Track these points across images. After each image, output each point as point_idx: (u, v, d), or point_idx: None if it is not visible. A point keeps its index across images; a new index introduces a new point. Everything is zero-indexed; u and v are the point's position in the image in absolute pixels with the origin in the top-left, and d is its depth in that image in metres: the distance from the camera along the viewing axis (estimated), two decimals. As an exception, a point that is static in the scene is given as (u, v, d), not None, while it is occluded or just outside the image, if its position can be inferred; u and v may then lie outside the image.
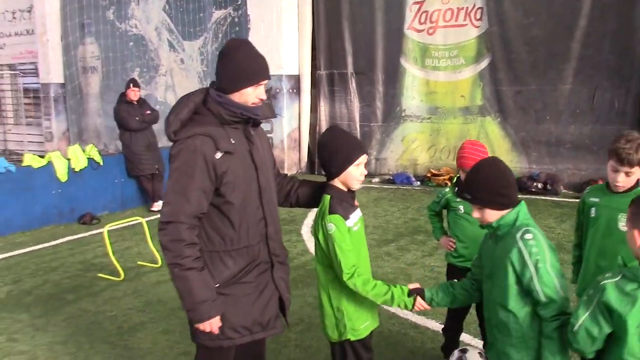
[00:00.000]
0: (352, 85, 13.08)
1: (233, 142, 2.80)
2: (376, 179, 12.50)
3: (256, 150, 2.93)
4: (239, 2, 13.32)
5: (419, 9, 12.17)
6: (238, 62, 2.78)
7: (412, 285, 3.09)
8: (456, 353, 3.83)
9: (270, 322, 3.00)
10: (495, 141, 11.57)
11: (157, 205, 10.08)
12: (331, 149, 3.02)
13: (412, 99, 12.51)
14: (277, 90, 12.98)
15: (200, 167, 2.69)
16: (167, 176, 2.86)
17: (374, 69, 12.77)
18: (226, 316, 2.82)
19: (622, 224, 3.11)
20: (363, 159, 3.06)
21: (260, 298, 2.94)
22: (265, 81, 2.87)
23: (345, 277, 2.92)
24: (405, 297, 3.00)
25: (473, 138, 11.74)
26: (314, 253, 3.24)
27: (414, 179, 12.19)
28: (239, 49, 2.82)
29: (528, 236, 2.57)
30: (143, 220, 7.20)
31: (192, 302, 2.72)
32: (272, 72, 2.96)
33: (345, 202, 3.05)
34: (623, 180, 3.16)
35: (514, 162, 11.39)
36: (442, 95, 12.22)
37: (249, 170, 2.87)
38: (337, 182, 3.07)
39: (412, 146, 12.61)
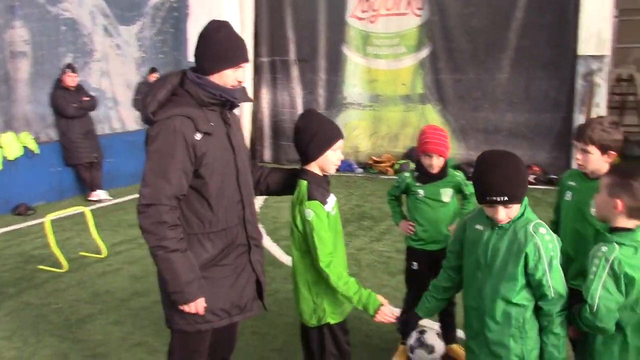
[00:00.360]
0: (295, 72, 13.03)
1: (212, 124, 2.78)
2: (318, 167, 12.49)
3: (233, 133, 2.92)
4: (178, -13, 13.04)
5: (361, -3, 12.25)
6: (219, 43, 2.77)
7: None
8: (414, 334, 3.91)
9: (248, 304, 3.00)
10: (435, 129, 11.77)
11: (95, 195, 9.79)
12: (309, 133, 3.00)
13: (353, 86, 12.59)
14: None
15: (180, 148, 2.66)
16: (142, 160, 2.76)
17: (317, 56, 12.78)
18: (205, 299, 2.78)
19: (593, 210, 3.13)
20: (340, 143, 3.07)
21: (238, 281, 2.93)
22: (245, 64, 2.87)
23: (321, 265, 2.93)
24: (372, 300, 2.95)
25: (414, 125, 11.96)
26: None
27: (356, 166, 12.30)
28: (220, 30, 2.81)
29: (542, 230, 2.56)
30: (86, 210, 6.96)
31: (178, 284, 2.68)
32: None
33: (321, 187, 3.04)
34: (581, 158, 3.26)
35: (454, 149, 11.62)
36: (383, 83, 12.35)
37: (226, 152, 2.86)
38: (312, 167, 3.05)
39: (354, 133, 12.69)
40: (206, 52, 2.80)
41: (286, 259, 6.47)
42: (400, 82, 12.18)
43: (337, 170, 10.90)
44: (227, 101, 2.85)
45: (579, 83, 10.43)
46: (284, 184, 3.23)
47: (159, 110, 2.70)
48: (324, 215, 2.96)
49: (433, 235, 4.08)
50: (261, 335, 4.69)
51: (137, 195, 2.76)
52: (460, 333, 4.58)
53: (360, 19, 12.31)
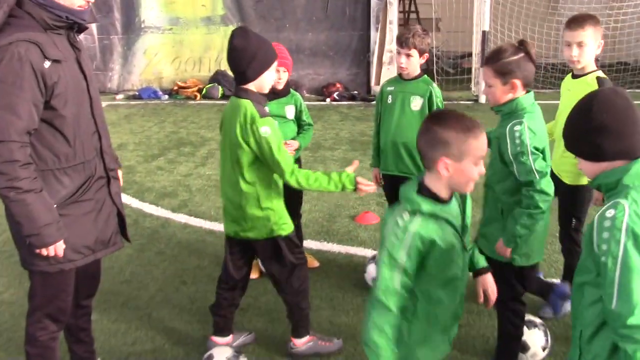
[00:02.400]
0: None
1: (60, 49, 2.53)
2: (120, 96, 11.88)
3: (83, 58, 2.68)
4: None
5: None
6: None
7: (349, 168, 3.10)
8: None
9: (112, 238, 2.87)
10: (239, 50, 11.72)
11: None
12: (248, 54, 2.97)
13: (151, 9, 11.98)
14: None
15: (28, 78, 2.39)
16: None
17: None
18: (67, 238, 2.61)
19: (413, 104, 3.86)
20: (276, 63, 3.13)
21: (100, 215, 2.77)
22: None
23: (287, 176, 3.00)
24: (345, 178, 3.02)
25: (217, 48, 11.82)
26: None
27: (161, 93, 11.87)
28: None
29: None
30: None
31: (35, 226, 2.46)
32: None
33: (262, 104, 3.07)
34: (405, 62, 3.82)
35: (259, 71, 11.74)
36: (182, 5, 11.92)
37: (79, 80, 2.63)
38: (251, 87, 3.05)
39: (155, 59, 12.20)
40: None
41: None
42: (199, 3, 11.84)
43: (140, 97, 10.51)
44: (74, 23, 2.60)
45: (374, 1, 10.99)
46: None
47: None
48: (277, 129, 3.03)
49: None
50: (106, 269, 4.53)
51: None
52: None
53: None
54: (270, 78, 3.12)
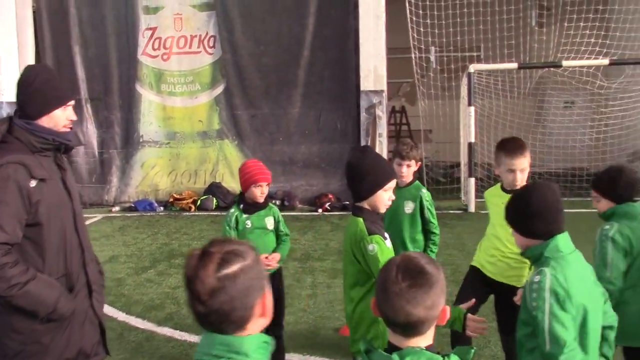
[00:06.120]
0: (88, 111, 12.50)
1: (46, 169, 2.73)
2: (117, 208, 12.09)
3: (67, 177, 2.89)
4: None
5: (151, 35, 12.20)
6: (42, 86, 2.74)
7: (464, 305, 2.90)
8: None
9: (94, 348, 2.92)
10: (234, 163, 12.03)
11: None
12: (361, 172, 2.99)
13: (149, 124, 12.45)
14: (-2, 119, 11.85)
15: (13, 196, 2.59)
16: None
17: (110, 94, 12.42)
18: (50, 348, 2.68)
19: (407, 209, 4.40)
20: (393, 183, 3.07)
21: (83, 326, 2.86)
22: (73, 101, 2.87)
23: None
24: (456, 313, 2.81)
25: (212, 161, 12.20)
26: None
27: (156, 205, 12.08)
28: (40, 74, 2.78)
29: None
30: None
31: (49, 306, 2.65)
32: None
33: (376, 223, 3.03)
34: (406, 172, 4.38)
35: (254, 182, 12.02)
36: (179, 120, 12.40)
37: (63, 197, 2.83)
38: (364, 204, 3.04)
39: (152, 172, 12.51)
40: (31, 97, 2.75)
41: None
42: (196, 118, 12.32)
43: (136, 209, 10.59)
44: (60, 145, 2.82)
45: (363, 115, 11.44)
46: None
47: None
48: (386, 249, 2.94)
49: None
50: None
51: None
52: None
53: (153, 56, 12.26)
54: (384, 198, 3.03)
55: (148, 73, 12.29)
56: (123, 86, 12.41)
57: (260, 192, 4.27)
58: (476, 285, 3.98)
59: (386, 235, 3.03)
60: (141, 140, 12.51)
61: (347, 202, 11.45)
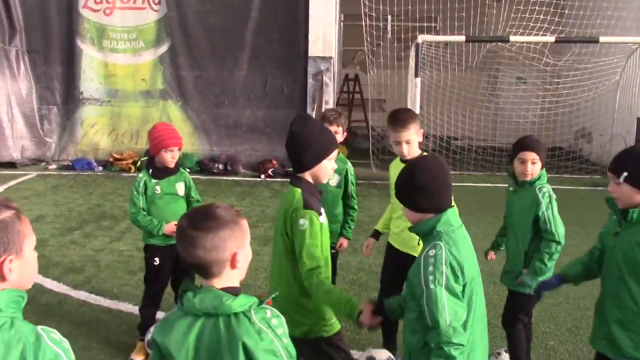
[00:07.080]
0: (26, 64, 11.95)
1: None
2: (53, 166, 11.74)
3: None
4: None
5: (93, -13, 11.71)
6: None
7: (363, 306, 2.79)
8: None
9: None
10: (177, 124, 11.68)
11: None
12: (305, 141, 2.84)
13: (90, 81, 12.03)
14: None
15: None
16: None
17: (51, 47, 11.91)
18: None
19: (332, 181, 4.19)
20: (336, 152, 2.97)
21: None
22: None
23: (303, 276, 2.79)
24: (350, 305, 2.71)
25: (156, 121, 11.83)
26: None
27: (95, 164, 11.76)
28: None
29: None
30: None
31: None
32: None
33: (314, 196, 2.88)
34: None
35: (196, 145, 11.80)
36: (122, 78, 12.02)
37: None
38: (306, 176, 2.89)
39: (92, 130, 12.15)
40: None
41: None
42: (139, 77, 11.96)
43: (74, 168, 10.28)
44: None
45: (310, 82, 11.26)
46: None
47: None
48: (318, 226, 2.80)
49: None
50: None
51: None
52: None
53: (95, 10, 11.78)
54: (327, 167, 2.93)
55: (89, 28, 11.83)
56: (63, 40, 11.90)
57: (171, 157, 4.13)
58: (393, 264, 4.01)
59: (322, 210, 2.89)
60: (81, 97, 12.09)
61: (291, 169, 11.35)
